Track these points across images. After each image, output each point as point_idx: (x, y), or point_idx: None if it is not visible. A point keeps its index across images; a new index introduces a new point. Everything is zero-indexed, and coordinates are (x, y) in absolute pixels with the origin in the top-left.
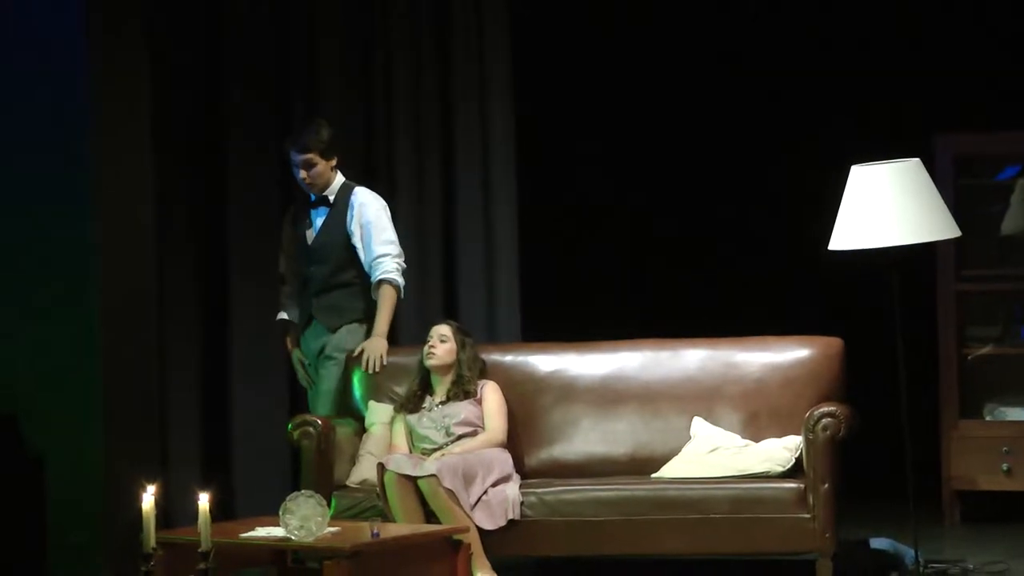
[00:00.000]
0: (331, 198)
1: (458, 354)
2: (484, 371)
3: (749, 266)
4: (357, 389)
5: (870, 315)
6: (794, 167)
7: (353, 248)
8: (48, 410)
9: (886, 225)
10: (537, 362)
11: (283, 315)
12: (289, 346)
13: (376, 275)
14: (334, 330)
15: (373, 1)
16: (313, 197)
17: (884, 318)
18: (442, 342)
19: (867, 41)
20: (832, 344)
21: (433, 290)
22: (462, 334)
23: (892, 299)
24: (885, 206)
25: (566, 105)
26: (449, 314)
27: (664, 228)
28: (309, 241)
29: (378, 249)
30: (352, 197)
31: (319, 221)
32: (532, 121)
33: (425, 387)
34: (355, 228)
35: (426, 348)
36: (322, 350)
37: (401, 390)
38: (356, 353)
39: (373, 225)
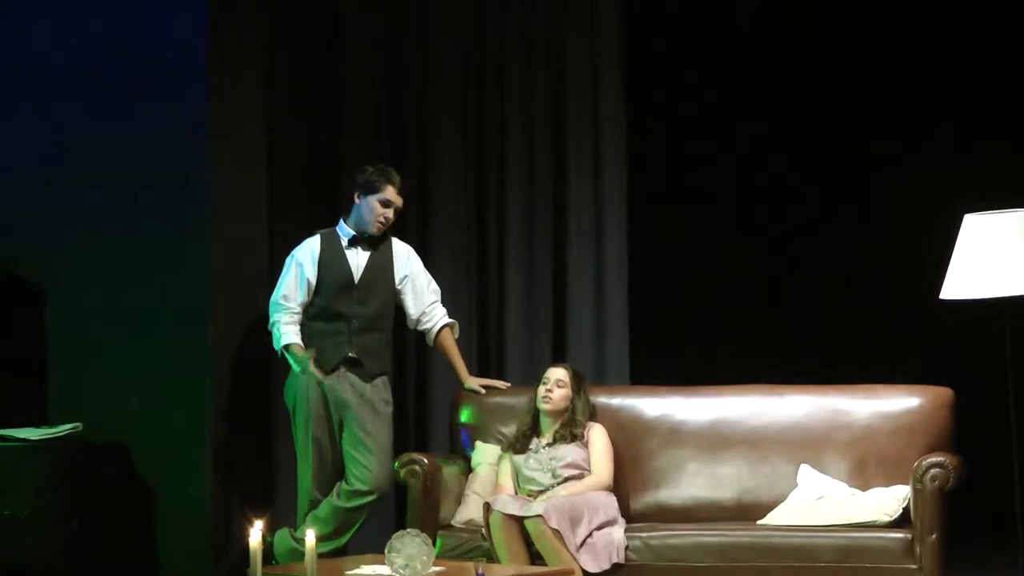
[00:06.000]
0: (370, 241)
1: (573, 400)
2: (594, 414)
3: (858, 314)
4: (464, 429)
5: (981, 365)
6: (904, 214)
7: (395, 293)
8: (159, 442)
9: (1000, 275)
10: (644, 406)
11: (297, 340)
12: (304, 356)
13: (438, 319)
14: (371, 377)
15: (486, 8)
16: (352, 235)
17: (996, 368)
18: (559, 387)
19: (979, 91)
20: (942, 394)
21: (542, 330)
22: (578, 379)
23: (1005, 349)
24: (999, 255)
25: (677, 145)
26: (558, 355)
27: (772, 273)
28: (356, 279)
29: (430, 297)
30: (392, 244)
31: (361, 260)
32: (644, 161)
33: (534, 428)
34: (401, 274)
35: (542, 391)
36: (349, 401)
37: (507, 430)
38: (471, 389)
39: (420, 274)
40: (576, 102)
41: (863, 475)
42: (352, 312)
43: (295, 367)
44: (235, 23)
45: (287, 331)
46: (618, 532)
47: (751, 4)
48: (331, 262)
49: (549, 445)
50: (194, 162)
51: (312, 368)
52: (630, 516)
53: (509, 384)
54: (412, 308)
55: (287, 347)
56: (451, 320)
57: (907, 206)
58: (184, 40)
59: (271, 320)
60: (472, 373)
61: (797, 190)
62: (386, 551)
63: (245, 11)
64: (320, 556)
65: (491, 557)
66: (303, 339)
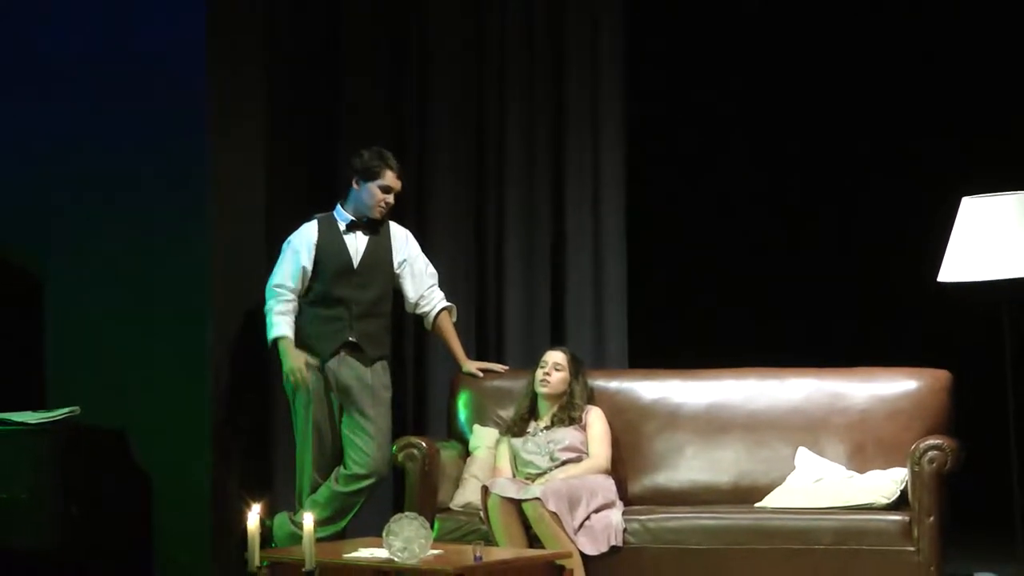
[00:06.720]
0: (369, 225)
1: (571, 383)
2: (591, 397)
3: (857, 297)
4: (462, 412)
5: (979, 347)
6: (902, 198)
7: (394, 277)
8: (157, 428)
9: (997, 257)
10: (642, 389)
11: (288, 333)
12: (297, 358)
13: (436, 303)
14: (371, 362)
15: (486, 8)
16: (350, 220)
17: (993, 350)
18: (557, 370)
19: (976, 71)
20: (939, 376)
21: (540, 313)
22: (576, 363)
23: (1002, 331)
24: (996, 238)
25: (673, 136)
26: (556, 338)
27: (771, 257)
28: (355, 264)
29: (428, 280)
30: (390, 228)
31: (360, 245)
32: (641, 151)
33: (532, 411)
34: (400, 258)
35: (539, 374)
36: (349, 385)
37: (505, 414)
38: (469, 373)
39: (418, 257)
40: (576, 100)
41: (861, 458)
42: (352, 297)
43: (283, 361)
44: (235, 23)
45: (279, 321)
46: (616, 515)
47: (751, 2)
48: (330, 248)
49: (547, 428)
50: (194, 162)
51: (298, 375)
52: (628, 499)
53: (507, 367)
54: (410, 292)
55: (278, 340)
56: (449, 303)
57: (905, 189)
58: (184, 40)
59: (266, 306)
60: (470, 356)
61: (794, 177)
62: (384, 534)
63: (245, 11)
64: (319, 540)
65: (489, 540)
66: (300, 324)
